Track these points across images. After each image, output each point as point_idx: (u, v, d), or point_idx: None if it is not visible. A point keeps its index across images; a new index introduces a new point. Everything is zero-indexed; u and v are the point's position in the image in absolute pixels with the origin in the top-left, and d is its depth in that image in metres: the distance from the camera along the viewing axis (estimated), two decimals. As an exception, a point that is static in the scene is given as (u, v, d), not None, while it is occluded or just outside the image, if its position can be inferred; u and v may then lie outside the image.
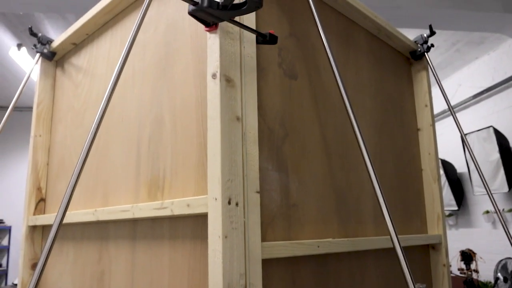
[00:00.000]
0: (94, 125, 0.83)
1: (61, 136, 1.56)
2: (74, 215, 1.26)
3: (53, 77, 1.69)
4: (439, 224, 1.58)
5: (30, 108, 6.46)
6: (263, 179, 0.94)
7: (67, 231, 1.39)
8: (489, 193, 1.61)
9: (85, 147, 0.81)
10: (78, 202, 1.34)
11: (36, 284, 0.74)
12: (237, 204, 0.80)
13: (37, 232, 1.55)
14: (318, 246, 0.99)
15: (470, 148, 1.69)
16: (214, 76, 0.85)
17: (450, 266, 5.12)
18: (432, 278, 1.55)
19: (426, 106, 1.67)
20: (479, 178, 4.50)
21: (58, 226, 0.77)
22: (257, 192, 0.85)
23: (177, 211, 0.88)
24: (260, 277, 0.82)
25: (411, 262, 1.45)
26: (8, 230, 6.57)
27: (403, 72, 1.67)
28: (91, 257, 1.25)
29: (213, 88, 0.85)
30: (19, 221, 6.38)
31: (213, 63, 0.87)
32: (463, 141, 4.75)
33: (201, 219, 0.89)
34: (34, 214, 1.53)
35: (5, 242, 6.59)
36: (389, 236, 1.26)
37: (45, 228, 1.53)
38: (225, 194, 0.78)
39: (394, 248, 0.81)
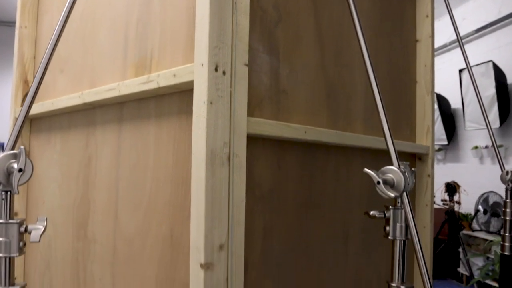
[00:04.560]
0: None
1: (47, 28, 1.50)
2: (60, 101, 1.24)
3: (39, -35, 1.59)
4: (428, 136, 1.58)
5: (20, 23, 6.25)
6: (253, 60, 0.91)
7: (54, 122, 1.38)
8: (488, 124, 1.61)
9: (58, 26, 0.77)
10: (65, 90, 1.31)
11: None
12: (224, 73, 0.78)
13: (24, 125, 1.53)
14: (306, 132, 0.98)
15: (474, 79, 1.67)
16: None
17: (434, 197, 5.28)
18: (416, 187, 1.58)
19: (427, 16, 1.62)
20: (472, 113, 4.52)
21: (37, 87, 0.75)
22: (246, 65, 0.82)
23: (163, 83, 0.86)
24: (245, 150, 0.82)
25: (396, 169, 1.46)
26: (1, 146, 6.60)
27: (406, -22, 1.60)
28: (78, 144, 1.24)
29: (204, -49, 0.79)
30: (12, 138, 6.39)
31: None
32: (460, 76, 4.70)
33: (187, 94, 0.87)
34: (21, 106, 1.51)
35: (-2, 158, 6.64)
36: (378, 137, 1.26)
37: (33, 121, 1.52)
38: (212, 61, 0.76)
39: (384, 137, 0.81)
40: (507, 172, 1.34)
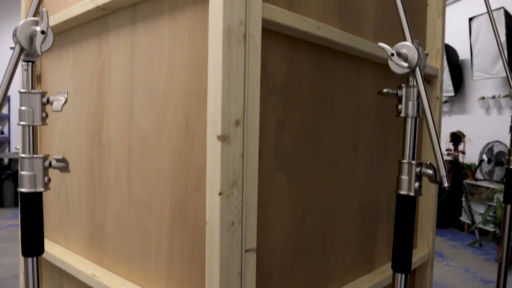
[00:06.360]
0: None
1: None
2: (72, 10, 1.24)
3: None
4: (437, 58, 1.58)
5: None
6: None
7: (66, 37, 1.38)
8: (506, 64, 1.60)
9: None
10: (76, 1, 1.30)
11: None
12: (240, -50, 0.77)
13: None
14: (318, 28, 0.99)
15: (494, 20, 1.65)
16: None
17: (439, 147, 5.31)
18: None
19: None
20: (481, 63, 4.47)
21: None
22: None
23: (178, -33, 0.86)
24: (260, 33, 0.83)
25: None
26: (7, 99, 6.62)
27: None
28: (91, 53, 1.25)
29: None
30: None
31: None
32: (470, 24, 4.62)
33: (202, -18, 0.87)
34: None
35: (5, 110, 6.69)
36: (388, 48, 1.26)
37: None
38: None
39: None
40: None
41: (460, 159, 4.71)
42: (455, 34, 5.16)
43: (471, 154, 4.81)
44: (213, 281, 0.80)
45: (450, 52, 5.01)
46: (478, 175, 4.63)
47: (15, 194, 5.91)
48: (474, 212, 4.46)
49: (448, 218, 4.82)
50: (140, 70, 1.05)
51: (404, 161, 0.79)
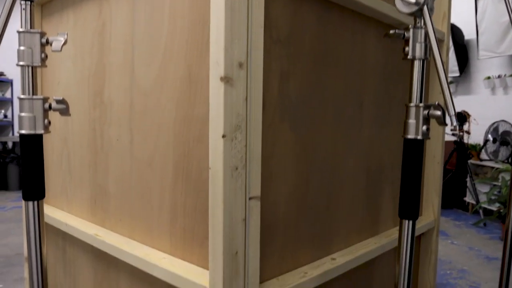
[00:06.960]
0: None
1: None
2: (72, -32, 1.22)
3: None
4: (443, 22, 1.55)
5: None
6: None
7: (67, 0, 1.36)
8: None
9: None
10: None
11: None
12: None
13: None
14: (323, -24, 0.96)
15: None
16: None
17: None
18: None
19: None
20: (487, 41, 4.42)
21: None
22: None
23: None
24: (263, -24, 0.81)
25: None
26: (10, 83, 6.61)
27: None
28: (92, 14, 1.23)
29: None
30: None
31: None
32: (476, 3, 4.56)
33: None
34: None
35: (8, 94, 6.68)
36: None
37: (44, 6, 1.50)
38: None
39: None
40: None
41: (465, 139, 4.68)
42: (461, 14, 5.09)
43: (476, 134, 4.77)
44: (217, 228, 0.79)
45: (455, 32, 4.94)
46: (483, 155, 4.60)
47: (19, 177, 5.93)
48: (479, 192, 4.44)
49: (453, 199, 4.80)
50: (141, 25, 1.03)
51: (412, 104, 0.77)
